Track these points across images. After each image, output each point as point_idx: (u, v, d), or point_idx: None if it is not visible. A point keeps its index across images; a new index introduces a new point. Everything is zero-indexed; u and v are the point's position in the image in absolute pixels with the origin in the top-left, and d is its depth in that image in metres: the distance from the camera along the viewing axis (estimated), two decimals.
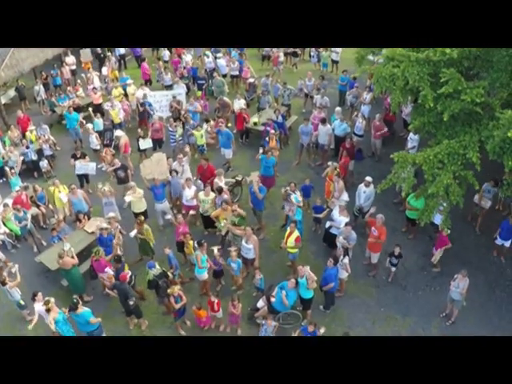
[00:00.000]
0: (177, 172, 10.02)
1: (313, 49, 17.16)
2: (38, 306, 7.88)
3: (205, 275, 8.39)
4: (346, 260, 8.08)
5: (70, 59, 16.71)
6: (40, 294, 7.97)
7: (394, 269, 8.88)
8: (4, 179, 12.47)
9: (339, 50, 16.08)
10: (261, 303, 8.05)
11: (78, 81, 16.10)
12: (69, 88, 15.37)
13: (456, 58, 8.52)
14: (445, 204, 8.31)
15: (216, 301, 7.80)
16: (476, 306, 8.50)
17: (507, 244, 9.08)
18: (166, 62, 17.30)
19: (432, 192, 7.73)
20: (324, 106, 12.65)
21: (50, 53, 16.03)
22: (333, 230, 9.01)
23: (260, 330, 7.82)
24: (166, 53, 17.46)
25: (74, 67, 16.79)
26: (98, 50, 17.45)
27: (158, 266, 8.11)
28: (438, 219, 9.04)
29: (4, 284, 8.32)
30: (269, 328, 7.63)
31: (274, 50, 16.47)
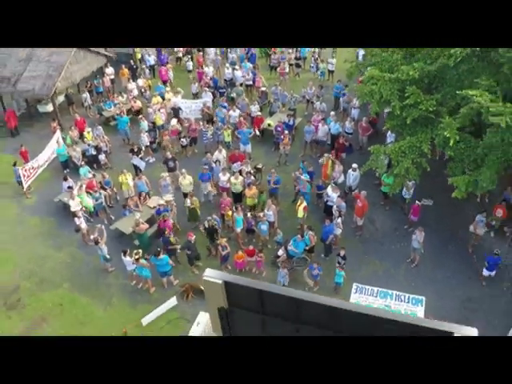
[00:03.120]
0: (220, 162, 13.51)
1: (312, 60, 20.58)
2: (127, 259, 11.23)
3: (239, 230, 12.04)
4: (339, 220, 11.63)
5: (110, 70, 19.89)
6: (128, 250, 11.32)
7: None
8: (68, 170, 15.81)
9: (334, 61, 19.60)
10: (280, 252, 11.58)
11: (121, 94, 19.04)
12: (115, 95, 18.67)
13: (418, 78, 11.98)
14: (408, 182, 11.87)
15: (252, 247, 11.38)
16: (432, 256, 11.93)
17: (492, 274, 10.86)
18: (189, 71, 20.66)
19: (397, 172, 11.26)
20: (322, 110, 16.12)
21: (95, 66, 19.51)
22: (329, 203, 12.56)
23: (278, 274, 11.31)
24: (189, 63, 20.78)
25: (112, 77, 19.98)
26: (131, 61, 20.77)
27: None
28: (405, 194, 12.66)
29: (97, 243, 11.73)
30: (282, 272, 11.08)
31: (281, 61, 19.88)
